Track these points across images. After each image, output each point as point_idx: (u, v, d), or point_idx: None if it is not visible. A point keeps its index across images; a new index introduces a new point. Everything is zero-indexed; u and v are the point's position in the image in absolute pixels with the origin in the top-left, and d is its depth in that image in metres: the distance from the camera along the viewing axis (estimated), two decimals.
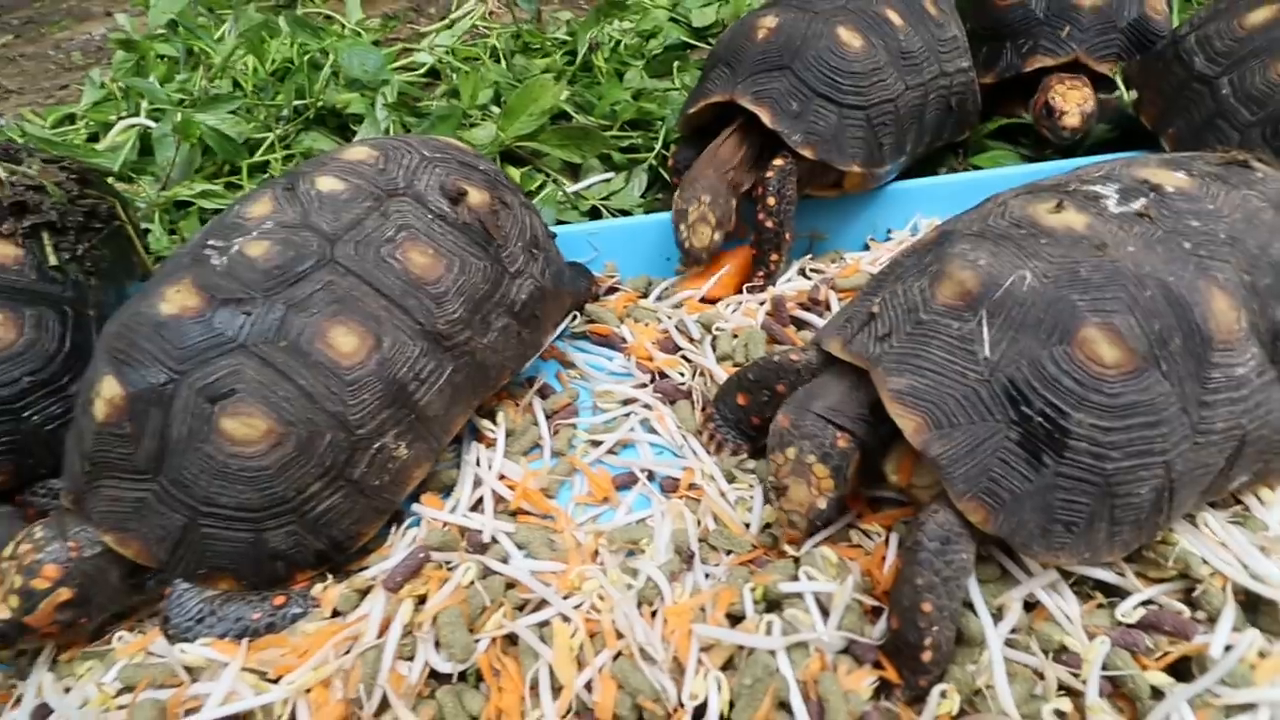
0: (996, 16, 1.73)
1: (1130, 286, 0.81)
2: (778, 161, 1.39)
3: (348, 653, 0.89)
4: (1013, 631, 0.87)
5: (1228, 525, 0.95)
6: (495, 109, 2.05)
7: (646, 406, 1.27)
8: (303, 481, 0.92)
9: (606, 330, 1.42)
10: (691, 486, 1.14)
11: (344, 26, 2.44)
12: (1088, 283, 0.82)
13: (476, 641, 0.92)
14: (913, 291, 0.92)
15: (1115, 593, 0.93)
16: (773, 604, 0.93)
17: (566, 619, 0.94)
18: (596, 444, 1.23)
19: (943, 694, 0.81)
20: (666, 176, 1.89)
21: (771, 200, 1.38)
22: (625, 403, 1.29)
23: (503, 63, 2.27)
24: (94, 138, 2.10)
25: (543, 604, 0.96)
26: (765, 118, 1.36)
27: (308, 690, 0.86)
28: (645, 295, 1.51)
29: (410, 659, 0.90)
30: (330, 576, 1.00)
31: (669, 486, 1.15)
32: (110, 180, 1.58)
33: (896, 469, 0.97)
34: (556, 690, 0.88)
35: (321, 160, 1.10)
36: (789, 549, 0.99)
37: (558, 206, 1.80)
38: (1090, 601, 0.92)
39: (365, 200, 1.02)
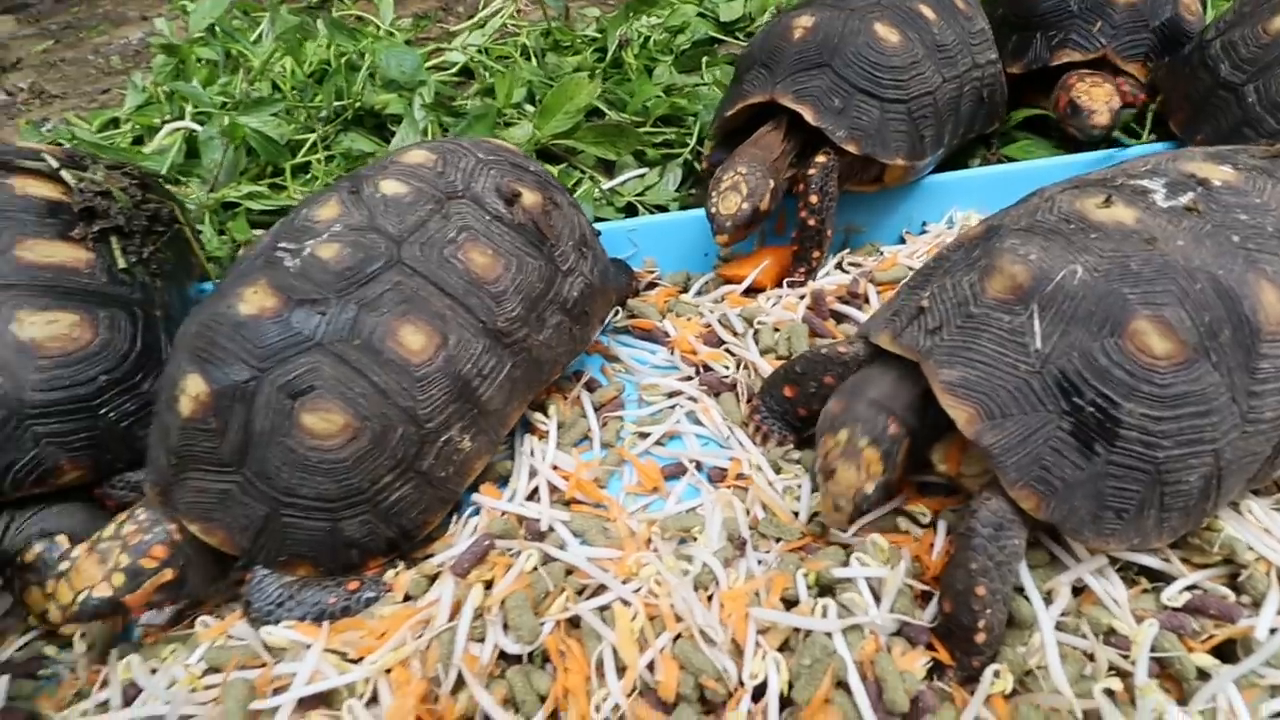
0: (1030, 6, 1.73)
1: (1180, 280, 0.84)
2: (820, 159, 1.40)
3: (421, 635, 0.94)
4: (1062, 615, 0.90)
5: (1271, 512, 0.97)
6: (530, 107, 2.08)
7: (692, 399, 1.30)
8: (376, 473, 0.97)
9: (649, 325, 1.45)
10: (739, 476, 1.17)
11: (378, 28, 2.48)
12: (1138, 276, 0.84)
13: (542, 624, 0.96)
14: (962, 285, 0.95)
15: (1161, 578, 0.96)
16: (825, 589, 0.97)
17: (626, 603, 0.98)
18: (644, 435, 1.27)
19: (995, 674, 0.85)
20: (698, 168, 1.92)
21: (814, 198, 1.40)
22: (670, 395, 1.33)
23: (534, 60, 2.30)
24: (138, 140, 2.16)
25: (601, 589, 1.01)
26: (809, 115, 1.38)
27: (388, 670, 0.91)
28: (685, 290, 1.55)
29: (481, 640, 0.95)
30: (400, 563, 1.05)
31: (716, 476, 1.19)
32: (164, 184, 1.64)
33: (944, 458, 1.00)
34: (620, 670, 0.92)
35: (383, 164, 1.14)
36: (839, 534, 1.03)
37: (595, 203, 1.83)
38: (1136, 586, 0.95)
39: (427, 203, 1.06)
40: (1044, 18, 1.71)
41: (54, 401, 1.09)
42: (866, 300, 1.41)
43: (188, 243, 1.48)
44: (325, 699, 0.91)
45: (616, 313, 1.47)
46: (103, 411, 1.14)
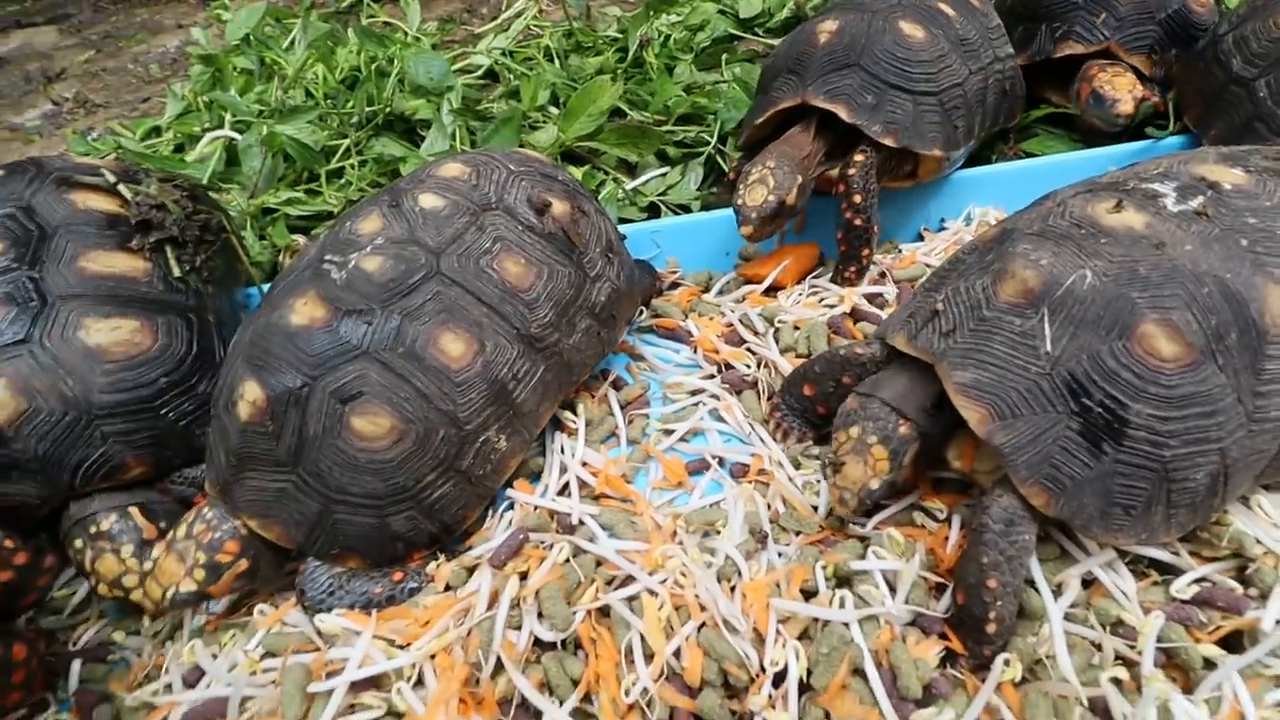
0: None
1: (1188, 284, 0.86)
2: (859, 157, 1.41)
3: (462, 623, 1.01)
4: (1071, 606, 0.94)
5: (1273, 504, 1.00)
6: (554, 109, 2.13)
7: (714, 397, 1.35)
8: (420, 472, 1.03)
9: (672, 324, 1.50)
10: (760, 472, 1.22)
11: (406, 34, 2.54)
12: (1147, 280, 0.87)
13: (574, 613, 1.02)
14: (975, 289, 0.98)
15: (1170, 571, 0.99)
16: (843, 580, 1.02)
17: (654, 593, 1.03)
18: (668, 432, 1.32)
19: (1006, 662, 0.89)
20: (722, 165, 1.96)
21: (858, 197, 1.40)
22: (693, 393, 1.38)
23: (557, 62, 2.34)
24: (179, 148, 2.25)
25: (630, 580, 1.06)
26: (843, 113, 1.40)
27: (432, 656, 0.98)
28: (707, 289, 1.59)
29: (518, 628, 1.01)
30: (441, 555, 1.12)
31: (738, 472, 1.24)
32: (209, 194, 1.72)
33: (959, 455, 1.03)
34: (648, 657, 0.98)
35: (419, 177, 1.20)
36: (857, 528, 1.08)
37: (618, 204, 1.88)
38: (1146, 579, 0.98)
39: (463, 215, 1.12)
40: (1049, 9, 1.72)
41: (119, 403, 1.17)
42: (886, 301, 1.45)
43: (234, 250, 1.56)
44: (375, 682, 0.98)
45: (641, 313, 1.53)
46: (163, 412, 1.22)
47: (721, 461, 1.26)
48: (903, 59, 1.40)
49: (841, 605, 0.97)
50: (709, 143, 1.97)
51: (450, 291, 1.06)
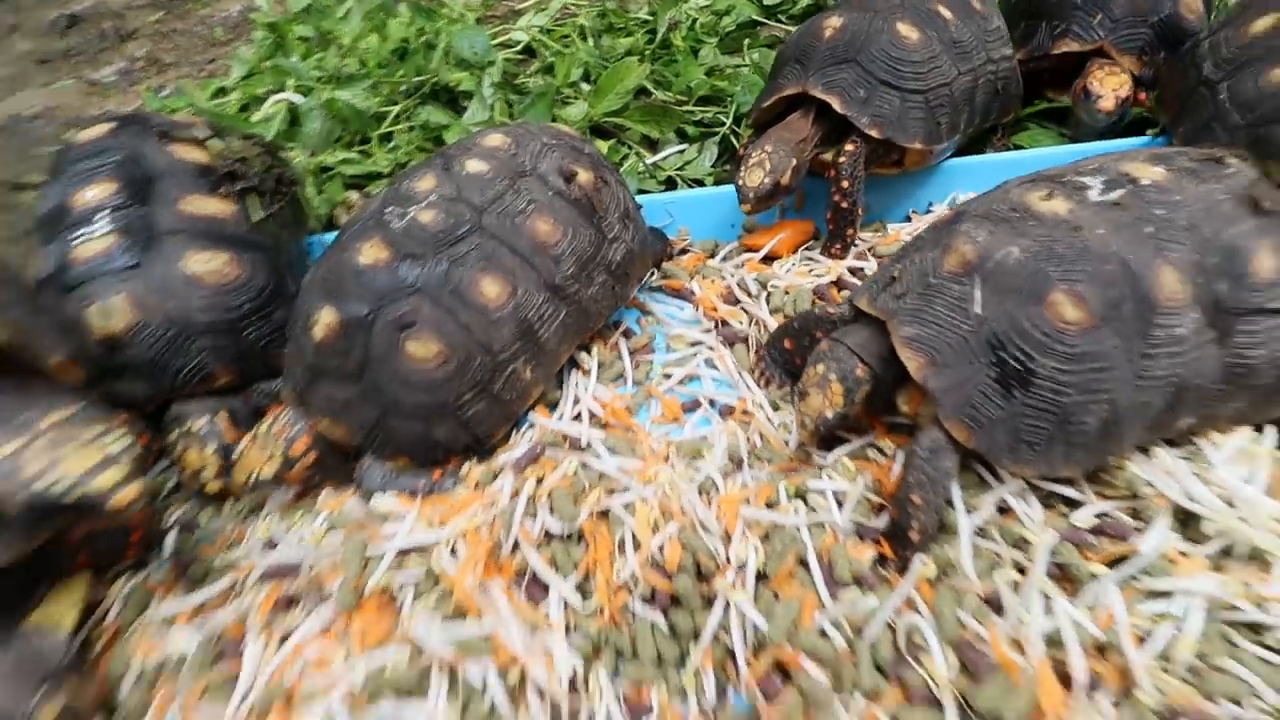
0: None
1: (1095, 262, 1.05)
2: (849, 147, 1.59)
3: (489, 511, 1.24)
4: (984, 524, 1.14)
5: (1177, 459, 1.19)
6: (585, 86, 2.32)
7: (710, 348, 1.56)
8: (459, 391, 1.26)
9: (679, 285, 1.71)
10: (744, 412, 1.43)
11: (452, 9, 2.73)
12: (1062, 258, 1.06)
13: (580, 512, 1.25)
14: (926, 260, 1.17)
15: (1076, 505, 1.18)
16: (801, 496, 1.23)
17: (645, 500, 1.25)
18: (668, 376, 1.53)
19: (923, 563, 1.10)
20: (735, 145, 2.13)
21: (845, 183, 1.59)
22: (692, 344, 1.59)
23: (590, 41, 2.52)
24: (244, 108, 2.48)
25: (626, 490, 1.29)
26: (836, 104, 1.58)
27: (464, 534, 1.21)
28: (712, 256, 1.79)
29: (534, 517, 1.24)
30: (473, 460, 1.35)
31: (725, 411, 1.45)
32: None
33: (907, 401, 1.23)
34: (637, 548, 1.20)
35: (466, 145, 1.41)
36: (820, 460, 1.29)
37: (639, 177, 2.07)
38: (1053, 510, 1.18)
39: (503, 180, 1.33)
40: (1050, 8, 1.85)
41: (211, 322, 1.41)
42: (866, 274, 1.63)
43: (301, 202, 1.79)
44: (418, 552, 1.22)
45: (652, 274, 1.73)
46: (245, 333, 1.46)
47: (712, 402, 1.47)
48: (895, 58, 1.57)
49: (796, 513, 1.18)
50: (725, 123, 2.14)
51: (490, 243, 1.28)
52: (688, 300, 1.68)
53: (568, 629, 1.14)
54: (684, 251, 1.81)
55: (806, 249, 1.72)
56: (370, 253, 1.26)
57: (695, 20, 2.51)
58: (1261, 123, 1.45)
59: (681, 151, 2.15)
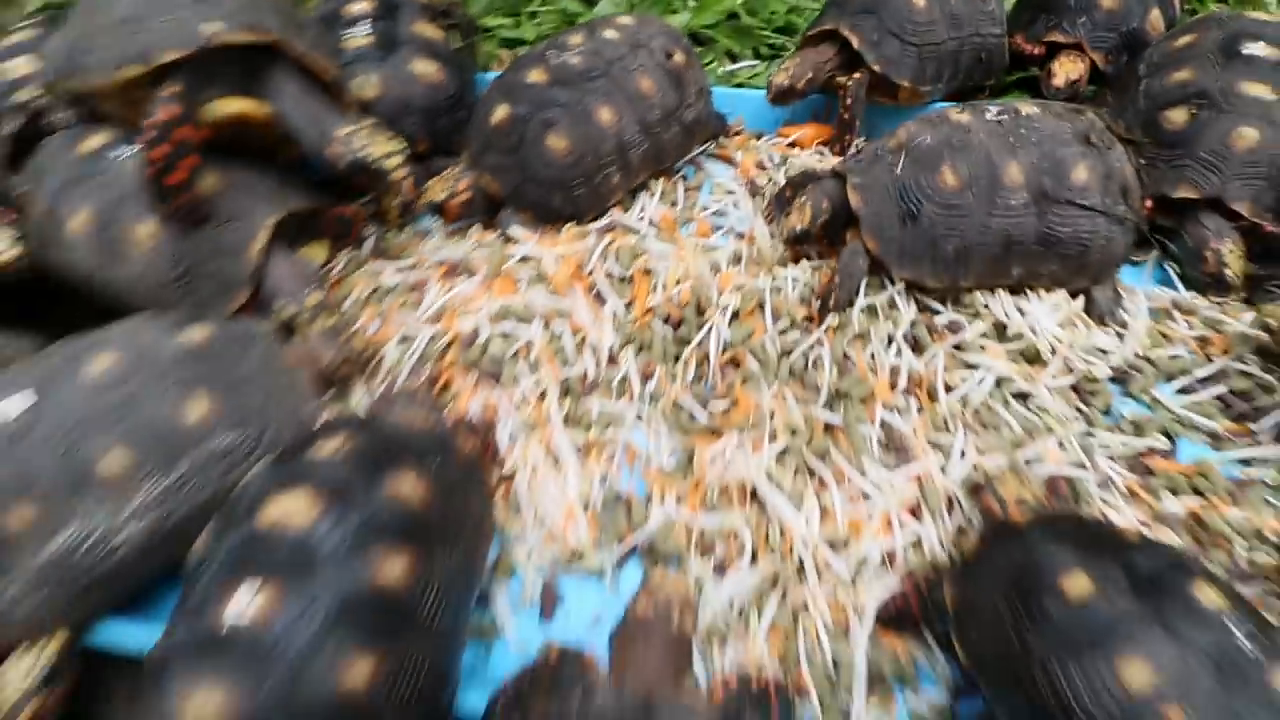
0: None
1: (973, 152, 1.72)
2: (857, 75, 2.25)
3: (578, 250, 2.00)
4: (874, 304, 1.86)
5: (1008, 297, 1.88)
6: (692, 1, 2.97)
7: (737, 195, 2.27)
8: (574, 176, 2.00)
9: (727, 154, 2.40)
10: (751, 238, 2.15)
11: None
12: (953, 146, 1.74)
13: (633, 264, 2.00)
14: (879, 144, 1.86)
15: (940, 314, 1.89)
16: (771, 277, 1.96)
17: (673, 266, 2.00)
18: (705, 208, 2.25)
19: (833, 318, 1.83)
20: None
21: (849, 100, 2.26)
22: (728, 192, 2.30)
23: None
24: None
25: (661, 259, 2.03)
26: (855, 41, 2.23)
27: (562, 256, 1.98)
28: (757, 138, 2.48)
29: (604, 260, 2.00)
30: (573, 224, 2.10)
31: (739, 235, 2.17)
32: None
33: (851, 233, 1.94)
34: (664, 289, 1.95)
35: (607, 20, 2.12)
36: (793, 267, 2.01)
37: (717, 79, 2.74)
38: (925, 314, 1.89)
39: (626, 46, 2.04)
40: (1053, 5, 2.42)
41: (423, 107, 2.17)
42: None
43: (476, 46, 2.52)
44: (534, 260, 1.99)
45: (710, 144, 2.43)
46: (439, 119, 2.21)
47: (731, 230, 2.19)
48: (904, 17, 2.19)
49: (762, 284, 1.91)
50: (789, 50, 2.79)
51: (610, 85, 2.00)
52: (732, 165, 2.39)
53: (616, 326, 1.91)
54: (737, 133, 2.50)
55: (820, 145, 2.39)
56: (535, 75, 1.99)
57: None
58: (1154, 109, 2.06)
59: (753, 66, 2.81)
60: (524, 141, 1.98)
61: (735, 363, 1.84)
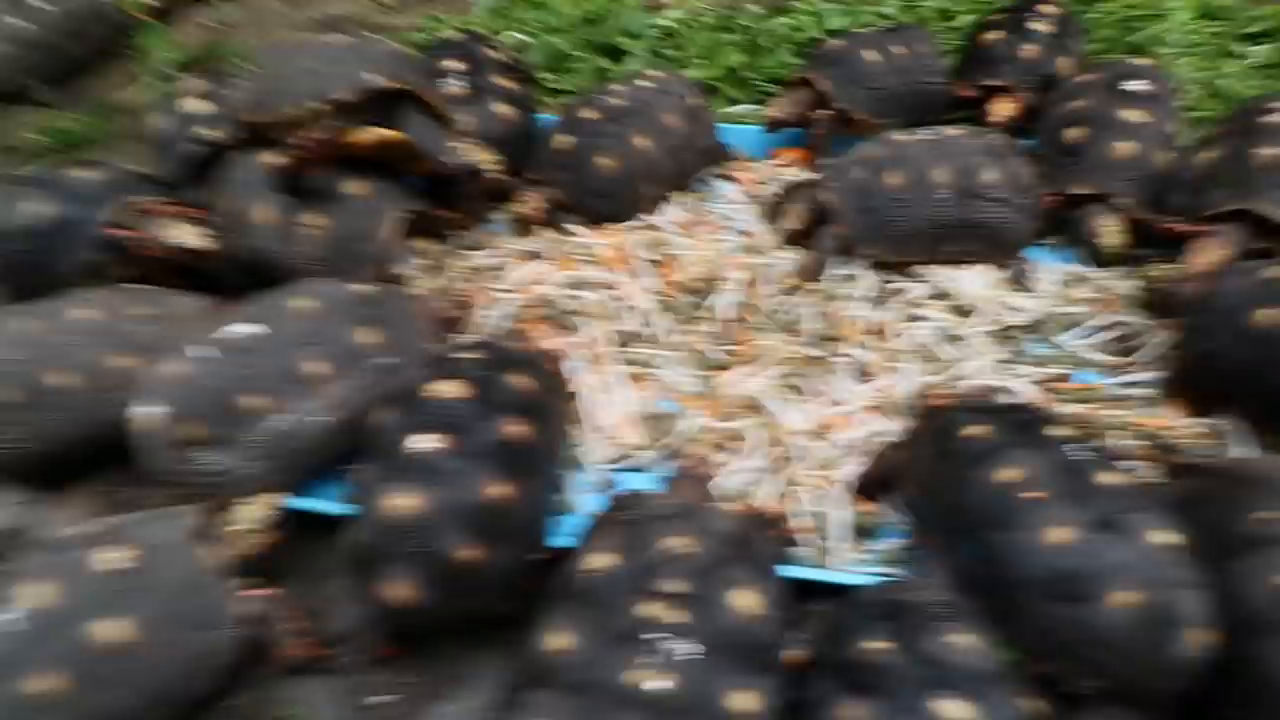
0: (980, 52, 3.13)
1: (911, 161, 2.38)
2: (828, 112, 2.94)
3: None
4: (846, 276, 2.49)
5: (945, 269, 2.50)
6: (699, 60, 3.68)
7: (738, 201, 2.92)
8: (620, 188, 2.66)
9: (730, 173, 3.06)
10: (752, 234, 2.78)
11: None
12: (898, 158, 2.40)
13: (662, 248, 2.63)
14: (845, 159, 2.52)
15: (893, 282, 2.51)
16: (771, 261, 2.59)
17: (690, 249, 2.63)
18: (714, 211, 2.90)
19: (815, 285, 2.45)
20: None
21: (820, 132, 2.91)
22: (732, 201, 2.94)
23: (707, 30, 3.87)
24: None
25: (681, 248, 2.66)
26: (824, 88, 2.91)
27: (609, 243, 2.62)
28: (753, 161, 3.13)
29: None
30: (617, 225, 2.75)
31: (741, 233, 2.81)
32: None
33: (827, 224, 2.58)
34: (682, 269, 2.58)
35: (639, 74, 2.81)
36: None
37: (722, 116, 3.43)
38: (883, 279, 2.51)
39: (653, 93, 2.72)
40: (985, 56, 3.10)
41: (502, 139, 2.84)
42: None
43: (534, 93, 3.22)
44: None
45: (717, 165, 3.09)
46: (512, 149, 2.89)
47: (736, 228, 2.83)
48: (862, 69, 2.83)
49: (759, 262, 2.55)
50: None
51: (643, 121, 2.67)
52: (734, 181, 3.05)
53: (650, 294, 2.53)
54: (738, 158, 3.17)
55: (801, 164, 3.06)
56: (588, 113, 2.67)
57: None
58: (1060, 128, 2.72)
59: (750, 107, 3.50)
60: (581, 163, 2.65)
61: (741, 319, 2.46)
